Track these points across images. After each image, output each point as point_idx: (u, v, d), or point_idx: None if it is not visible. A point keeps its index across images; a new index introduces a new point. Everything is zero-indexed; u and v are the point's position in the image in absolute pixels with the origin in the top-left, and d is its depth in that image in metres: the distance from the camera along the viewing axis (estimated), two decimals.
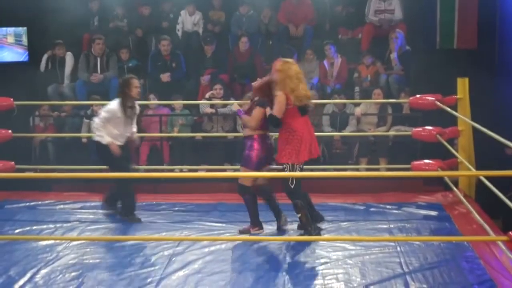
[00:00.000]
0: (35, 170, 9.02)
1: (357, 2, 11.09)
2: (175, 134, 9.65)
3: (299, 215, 6.67)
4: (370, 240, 6.49)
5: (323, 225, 6.94)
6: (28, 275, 5.82)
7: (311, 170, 8.16)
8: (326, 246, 6.37)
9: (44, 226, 7.21)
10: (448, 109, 7.99)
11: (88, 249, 6.40)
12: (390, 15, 10.76)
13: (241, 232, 6.86)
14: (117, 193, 7.39)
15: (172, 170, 9.30)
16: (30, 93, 9.94)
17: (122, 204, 7.40)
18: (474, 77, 8.48)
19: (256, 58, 10.66)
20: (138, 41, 11.10)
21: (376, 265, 5.92)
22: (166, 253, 6.26)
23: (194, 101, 10.03)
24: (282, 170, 6.59)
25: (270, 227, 6.94)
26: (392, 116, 9.66)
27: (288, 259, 6.12)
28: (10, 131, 8.66)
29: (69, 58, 10.58)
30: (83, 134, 9.65)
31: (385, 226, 7.05)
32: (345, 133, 9.56)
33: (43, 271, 5.90)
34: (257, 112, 6.62)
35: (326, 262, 6.02)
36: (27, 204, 8.03)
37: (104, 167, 7.48)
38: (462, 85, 8.22)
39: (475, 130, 7.62)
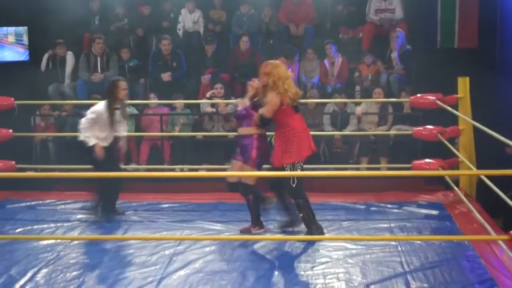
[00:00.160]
0: (36, 170, 9.02)
1: (357, 1, 11.08)
2: (175, 134, 9.65)
3: (301, 214, 6.68)
4: (371, 239, 6.49)
5: (323, 224, 6.93)
6: (29, 274, 5.82)
7: (312, 169, 8.18)
8: (327, 246, 6.37)
9: (45, 226, 7.22)
10: (449, 108, 7.99)
11: (89, 249, 6.40)
12: (391, 14, 10.75)
13: (242, 231, 6.86)
14: (98, 194, 7.37)
15: (172, 170, 9.30)
16: (31, 93, 9.94)
17: (96, 203, 7.36)
18: (475, 76, 8.48)
19: (257, 57, 10.66)
20: (138, 41, 11.11)
21: (377, 264, 5.92)
22: (167, 252, 6.27)
23: (195, 101, 10.04)
24: (282, 170, 6.58)
25: (271, 227, 6.95)
26: (393, 115, 9.66)
27: (289, 259, 6.12)
28: (11, 130, 8.66)
29: (69, 58, 10.59)
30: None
31: (386, 225, 7.05)
32: (345, 132, 9.56)
33: (44, 271, 5.91)
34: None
35: (327, 262, 6.02)
36: (28, 203, 8.04)
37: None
38: (463, 84, 8.22)
39: (476, 129, 7.62)
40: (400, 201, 7.89)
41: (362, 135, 9.49)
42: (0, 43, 11.06)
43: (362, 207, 7.78)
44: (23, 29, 11.05)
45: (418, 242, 6.39)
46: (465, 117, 7.97)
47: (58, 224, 7.28)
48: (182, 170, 9.26)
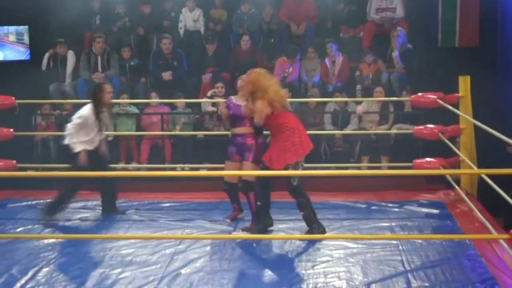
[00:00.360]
0: (36, 169, 9.03)
1: (358, 0, 11.08)
2: (176, 133, 9.65)
3: (302, 213, 6.68)
4: (371, 238, 6.50)
5: (324, 223, 6.94)
6: (30, 273, 5.83)
7: (313, 168, 8.19)
8: (328, 244, 6.37)
9: (46, 225, 7.21)
10: (450, 107, 7.99)
11: (90, 248, 6.40)
12: (392, 13, 10.74)
13: (243, 230, 6.86)
14: (63, 193, 7.37)
15: (173, 169, 9.30)
16: (31, 92, 9.94)
17: (53, 202, 7.34)
18: (475, 75, 8.48)
19: (257, 56, 10.66)
20: (139, 40, 11.10)
21: (378, 263, 5.92)
22: (168, 251, 6.27)
23: (196, 100, 10.03)
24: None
25: (273, 226, 6.95)
26: (394, 114, 9.65)
27: (289, 257, 6.13)
28: (11, 129, 8.66)
29: (70, 57, 10.58)
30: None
31: (386, 224, 7.05)
32: (346, 131, 9.55)
33: (45, 270, 5.91)
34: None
35: (328, 260, 6.02)
36: (29, 202, 8.05)
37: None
38: (464, 83, 8.22)
39: (477, 128, 7.62)
40: (401, 200, 7.90)
41: (363, 134, 9.48)
42: (1, 42, 11.07)
43: (363, 206, 7.78)
44: (24, 28, 11.05)
45: (419, 241, 6.39)
46: (466, 116, 7.97)
47: (59, 223, 7.28)
48: (183, 169, 9.26)
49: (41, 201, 8.06)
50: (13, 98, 8.70)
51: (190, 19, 11.13)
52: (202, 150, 9.59)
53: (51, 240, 6.61)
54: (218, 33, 10.98)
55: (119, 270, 5.89)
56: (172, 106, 10.00)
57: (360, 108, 9.53)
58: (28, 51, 11.09)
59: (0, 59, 11.01)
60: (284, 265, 5.96)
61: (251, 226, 6.85)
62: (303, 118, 9.71)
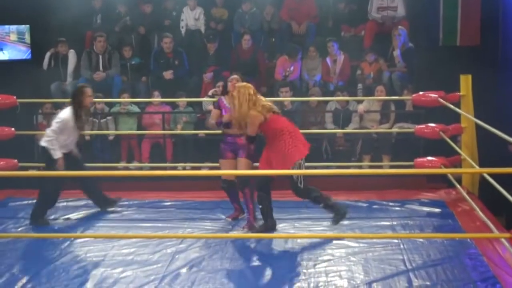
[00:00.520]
0: (38, 168, 9.02)
1: None
2: (178, 132, 9.65)
3: (321, 205, 6.83)
4: (373, 237, 6.49)
5: (326, 222, 6.94)
6: (32, 272, 5.83)
7: (315, 167, 8.18)
8: (329, 243, 6.37)
9: (47, 225, 7.21)
10: (451, 106, 7.98)
11: (91, 247, 6.41)
12: (393, 12, 10.74)
13: (245, 227, 6.87)
14: (40, 195, 7.36)
15: (175, 168, 9.30)
16: (33, 91, 9.94)
17: (36, 207, 7.31)
18: (477, 74, 8.46)
19: (258, 55, 10.66)
20: (140, 39, 11.10)
21: (379, 262, 5.92)
22: (169, 250, 6.27)
23: (197, 99, 10.04)
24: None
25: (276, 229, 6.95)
26: (395, 113, 9.64)
27: (291, 256, 6.13)
28: (13, 129, 8.67)
29: (71, 56, 10.58)
30: (86, 132, 9.65)
31: (388, 223, 7.05)
32: (348, 130, 9.55)
33: (46, 269, 5.91)
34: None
35: (329, 259, 6.02)
36: (30, 201, 8.01)
37: (105, 165, 7.49)
38: (465, 82, 8.21)
39: (478, 127, 7.61)
40: (402, 199, 7.89)
41: (364, 133, 9.48)
42: (2, 41, 11.06)
43: (364, 205, 7.78)
44: (25, 28, 11.04)
45: (420, 240, 6.38)
46: (467, 115, 7.96)
47: (61, 222, 7.28)
48: (184, 168, 9.26)
49: None
50: (15, 97, 8.71)
51: (191, 18, 11.13)
52: (203, 149, 9.58)
53: (52, 239, 6.61)
54: (219, 32, 10.98)
55: (120, 269, 5.89)
56: (174, 105, 10.00)
57: (361, 107, 9.53)
58: (30, 50, 11.08)
59: (6, 58, 11.00)
60: (285, 264, 5.96)
61: (248, 220, 6.88)
62: (304, 117, 9.74)
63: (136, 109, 9.93)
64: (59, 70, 10.53)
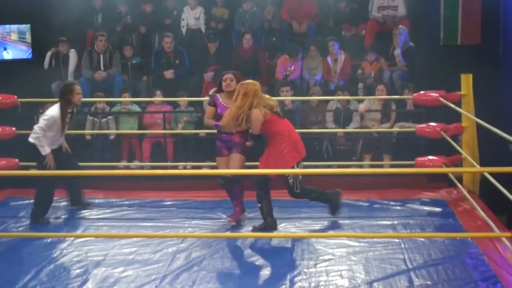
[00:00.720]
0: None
1: None
2: (179, 131, 9.65)
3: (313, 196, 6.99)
4: (374, 237, 6.49)
5: (326, 222, 6.94)
6: (32, 272, 5.84)
7: (315, 167, 8.18)
8: (330, 243, 6.37)
9: (48, 224, 7.22)
10: (452, 105, 7.98)
11: (92, 246, 6.41)
12: (394, 11, 10.74)
13: (233, 219, 6.96)
14: (36, 195, 7.34)
15: (176, 167, 9.30)
16: (34, 90, 9.94)
17: (35, 206, 7.31)
18: (478, 73, 8.46)
19: (259, 54, 10.66)
20: (141, 38, 11.11)
21: (380, 262, 5.92)
22: (170, 250, 6.27)
23: (198, 98, 10.03)
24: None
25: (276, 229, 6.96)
26: (396, 112, 9.64)
27: (292, 256, 6.12)
28: (14, 128, 8.67)
29: (72, 55, 10.58)
30: (87, 131, 9.67)
31: (389, 223, 7.04)
32: (348, 129, 9.55)
33: (47, 268, 5.92)
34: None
35: (330, 259, 6.02)
36: (31, 201, 8.00)
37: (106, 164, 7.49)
38: (466, 81, 8.21)
39: (479, 126, 7.61)
40: (403, 198, 7.89)
41: (365, 132, 9.48)
42: (3, 41, 11.07)
43: (365, 204, 7.78)
44: (26, 27, 11.04)
45: (421, 239, 6.39)
46: (468, 114, 7.96)
47: (62, 222, 7.29)
48: (185, 167, 9.26)
49: None
50: (15, 96, 8.71)
51: (191, 17, 11.13)
52: (204, 148, 9.58)
53: (54, 239, 6.62)
54: (220, 32, 10.98)
55: (121, 268, 5.89)
56: (175, 104, 10.00)
57: (362, 106, 9.53)
58: (30, 49, 11.08)
59: (9, 57, 11.00)
60: (286, 263, 5.96)
61: (235, 212, 7.00)
62: (305, 117, 9.74)
63: (137, 108, 9.93)
64: (60, 69, 10.53)
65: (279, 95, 9.50)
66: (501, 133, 6.03)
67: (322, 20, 11.15)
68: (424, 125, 8.33)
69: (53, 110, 7.21)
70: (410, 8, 10.79)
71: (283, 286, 5.52)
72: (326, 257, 6.07)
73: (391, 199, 7.86)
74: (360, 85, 10.16)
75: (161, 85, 10.25)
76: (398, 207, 7.63)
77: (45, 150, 7.12)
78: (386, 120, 9.62)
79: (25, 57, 11.09)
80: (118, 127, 9.81)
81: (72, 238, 6.61)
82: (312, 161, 7.96)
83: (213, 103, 7.03)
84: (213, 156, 9.30)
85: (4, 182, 8.38)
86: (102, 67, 10.39)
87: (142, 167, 9.52)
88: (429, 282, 5.51)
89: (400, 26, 10.37)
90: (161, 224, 7.14)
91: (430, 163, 7.93)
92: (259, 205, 6.79)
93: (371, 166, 9.24)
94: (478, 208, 7.00)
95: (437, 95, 8.25)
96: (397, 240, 6.35)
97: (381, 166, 9.19)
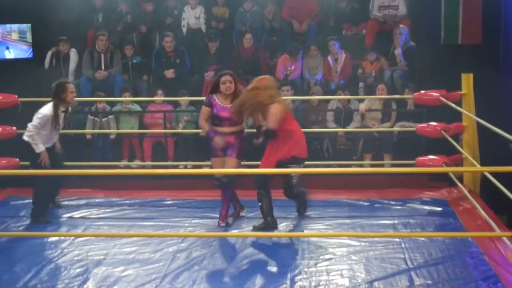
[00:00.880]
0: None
1: None
2: (179, 131, 9.65)
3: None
4: (374, 236, 6.49)
5: (327, 221, 6.94)
6: (33, 271, 5.84)
7: (316, 166, 8.18)
8: (330, 242, 6.37)
9: (49, 223, 7.22)
10: (453, 105, 7.98)
11: (92, 245, 6.41)
12: (394, 10, 10.74)
13: (223, 222, 6.97)
14: (35, 195, 7.34)
15: (176, 166, 9.30)
16: (34, 90, 9.94)
17: (34, 206, 7.31)
18: (478, 72, 8.47)
19: (260, 54, 10.66)
20: (142, 38, 11.11)
21: (380, 261, 5.92)
22: (170, 249, 6.28)
23: (198, 97, 10.02)
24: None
25: (277, 228, 6.96)
26: (397, 112, 9.64)
27: (292, 255, 6.12)
28: (14, 128, 8.67)
29: (73, 55, 10.58)
30: (88, 131, 9.67)
31: (389, 222, 7.05)
32: (349, 129, 9.55)
33: (47, 268, 5.92)
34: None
35: (331, 258, 6.02)
36: (32, 200, 8.04)
37: (107, 163, 7.47)
38: (467, 80, 8.21)
39: (479, 125, 7.61)
40: (404, 198, 7.89)
41: (366, 131, 9.48)
42: (4, 40, 11.07)
43: (366, 203, 7.77)
44: (26, 26, 11.04)
45: (422, 238, 6.39)
46: (468, 113, 7.96)
47: (62, 221, 7.29)
48: (185, 167, 9.26)
49: None
50: (16, 96, 8.71)
51: (192, 16, 11.13)
52: (205, 148, 9.55)
53: (54, 238, 6.62)
54: (221, 31, 10.98)
55: (121, 268, 5.90)
56: (175, 104, 10.00)
57: (362, 106, 9.52)
58: (31, 49, 11.08)
59: (12, 56, 10.99)
60: (287, 262, 5.96)
61: (221, 215, 7.01)
62: (305, 116, 9.74)
63: (137, 108, 9.93)
64: (60, 69, 10.53)
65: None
66: (501, 132, 6.03)
67: (322, 20, 11.15)
68: (424, 125, 8.33)
69: (46, 109, 7.21)
70: (410, 8, 10.79)
71: (284, 285, 5.53)
72: (327, 256, 6.07)
73: (392, 199, 7.86)
74: (361, 84, 10.16)
75: (162, 84, 10.25)
76: (398, 207, 7.63)
77: (39, 148, 7.12)
78: (386, 120, 9.62)
79: (25, 56, 11.08)
80: (118, 126, 9.81)
81: (73, 238, 6.61)
82: (313, 161, 7.96)
83: (209, 103, 6.95)
84: None
85: (5, 182, 8.38)
86: (102, 67, 10.39)
87: (142, 167, 9.52)
88: (429, 282, 5.51)
89: (401, 25, 10.37)
90: (161, 223, 7.14)
91: (430, 163, 7.92)
92: (260, 204, 6.79)
93: (372, 165, 9.23)
94: (479, 208, 7.00)
95: (437, 94, 8.25)
96: (397, 240, 6.36)
97: (381, 165, 9.19)
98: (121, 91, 9.93)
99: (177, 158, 9.59)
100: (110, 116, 9.81)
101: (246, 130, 7.14)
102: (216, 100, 6.92)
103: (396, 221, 7.06)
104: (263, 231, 6.74)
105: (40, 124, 7.13)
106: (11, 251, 6.32)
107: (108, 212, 7.59)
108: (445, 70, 9.50)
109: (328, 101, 9.84)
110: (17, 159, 8.48)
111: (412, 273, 5.66)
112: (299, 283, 5.55)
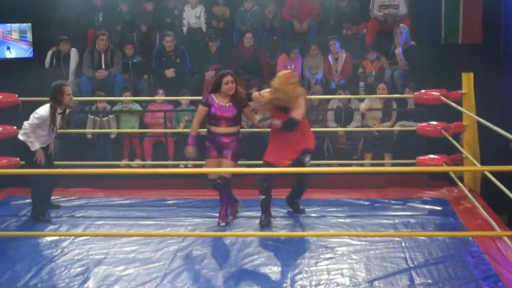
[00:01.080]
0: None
1: None
2: (179, 130, 9.65)
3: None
4: (375, 235, 6.49)
5: (327, 221, 6.93)
6: (33, 270, 5.85)
7: (316, 165, 8.18)
8: (331, 242, 6.36)
9: (49, 222, 7.22)
10: (453, 104, 7.98)
11: (93, 245, 6.41)
12: (395, 10, 10.74)
13: (223, 221, 6.98)
14: (33, 195, 7.35)
15: (177, 166, 9.30)
16: (35, 89, 9.93)
17: (33, 206, 7.31)
18: (479, 71, 8.46)
19: (260, 53, 10.66)
20: (142, 37, 11.11)
21: (381, 260, 5.92)
22: (171, 248, 6.28)
23: (199, 97, 10.02)
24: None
25: (277, 223, 6.96)
26: (397, 111, 9.64)
27: (293, 255, 6.12)
28: (15, 127, 8.66)
29: (73, 54, 10.58)
30: (88, 130, 9.67)
31: (390, 221, 7.05)
32: (349, 128, 9.55)
33: (48, 267, 5.93)
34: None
35: (331, 257, 6.02)
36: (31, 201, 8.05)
37: (108, 163, 7.47)
38: (467, 80, 8.21)
39: (480, 125, 7.61)
40: (404, 197, 7.89)
41: (366, 131, 9.48)
42: (4, 40, 11.06)
43: (366, 203, 7.77)
44: (26, 26, 11.03)
45: (422, 238, 6.39)
46: (469, 113, 7.96)
47: (63, 220, 7.29)
48: (186, 166, 9.26)
49: None
50: (17, 95, 8.71)
51: (192, 16, 11.13)
52: (205, 147, 9.57)
53: (55, 238, 6.62)
54: (221, 30, 10.98)
55: (122, 267, 5.90)
56: (176, 103, 10.00)
57: (363, 105, 9.53)
58: (31, 48, 11.07)
59: (12, 56, 10.99)
60: (287, 262, 5.96)
61: (220, 214, 7.00)
62: (306, 115, 9.72)
63: (138, 107, 9.93)
64: (61, 68, 10.54)
65: None
66: (502, 131, 6.03)
67: (323, 19, 11.15)
68: (425, 124, 8.33)
69: (43, 110, 7.22)
70: (411, 7, 10.78)
71: (284, 285, 5.53)
72: (327, 255, 6.08)
73: (392, 198, 7.87)
74: (361, 84, 10.16)
75: (162, 84, 10.25)
76: (399, 206, 7.63)
77: (35, 146, 7.13)
78: (387, 119, 9.62)
79: (26, 56, 11.07)
80: (119, 126, 9.81)
81: (73, 237, 6.62)
82: (313, 160, 7.95)
83: (207, 103, 6.91)
84: None
85: (5, 181, 8.38)
86: (103, 66, 10.39)
87: (143, 166, 9.52)
88: (430, 281, 5.51)
89: (401, 24, 10.37)
90: (162, 222, 7.14)
91: (431, 162, 7.93)
92: (263, 197, 6.84)
93: (372, 165, 9.24)
94: (479, 207, 7.00)
95: (438, 94, 8.24)
96: (398, 239, 6.36)
97: (382, 165, 9.19)
98: (122, 90, 9.93)
99: (177, 157, 9.59)
100: (111, 116, 9.81)
101: (246, 130, 7.13)
102: (215, 100, 6.90)
103: (396, 220, 7.06)
104: (267, 223, 6.78)
105: (37, 124, 7.14)
106: (11, 250, 6.32)
107: (108, 212, 7.59)
108: (446, 69, 9.49)
109: (328, 100, 9.84)
110: (18, 159, 8.48)
111: (413, 272, 5.66)
112: (300, 282, 5.55)
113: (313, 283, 5.53)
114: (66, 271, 5.84)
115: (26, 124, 7.20)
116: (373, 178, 8.41)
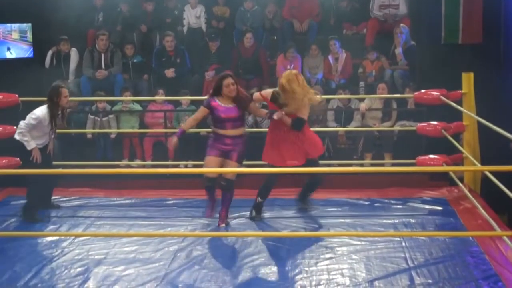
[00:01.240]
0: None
1: None
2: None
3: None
4: (375, 235, 6.49)
5: (328, 220, 6.94)
6: (33, 270, 5.85)
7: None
8: (331, 241, 6.36)
9: (49, 222, 7.22)
10: (453, 104, 7.98)
11: (93, 245, 6.41)
12: (395, 10, 10.74)
13: (223, 222, 6.96)
14: (29, 194, 7.35)
15: (177, 166, 9.30)
16: (35, 89, 9.93)
17: (26, 205, 7.32)
18: (479, 71, 8.46)
19: (260, 53, 10.66)
20: (142, 37, 11.11)
21: (381, 260, 5.92)
22: (171, 248, 6.28)
23: (199, 97, 10.02)
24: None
25: (277, 223, 6.95)
26: (397, 111, 9.64)
27: (293, 255, 6.12)
28: (15, 127, 8.66)
29: (73, 54, 10.59)
30: (88, 130, 9.67)
31: (390, 221, 7.04)
32: (349, 128, 9.56)
33: (48, 267, 5.93)
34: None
35: (331, 257, 6.02)
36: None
37: (108, 163, 7.47)
38: (467, 79, 8.20)
39: (480, 125, 7.61)
40: (404, 197, 7.89)
41: (366, 131, 9.48)
42: (4, 40, 11.06)
43: (366, 203, 7.77)
44: (27, 26, 11.03)
45: (422, 238, 6.39)
46: (469, 112, 7.96)
47: (63, 220, 7.29)
48: (186, 166, 9.26)
49: None
50: (17, 95, 8.71)
51: (192, 16, 11.14)
52: (206, 147, 9.56)
53: (55, 238, 6.62)
54: (221, 30, 10.98)
55: (122, 267, 5.90)
56: (176, 103, 10.00)
57: (363, 105, 9.53)
58: (32, 48, 11.07)
59: (13, 56, 10.98)
60: (287, 262, 5.96)
61: (220, 215, 6.98)
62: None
63: (138, 107, 9.93)
64: (61, 68, 10.54)
65: None
66: (502, 131, 6.02)
67: (323, 19, 11.15)
68: (425, 124, 8.33)
69: (40, 111, 7.24)
70: (411, 7, 10.79)
71: (284, 285, 5.53)
72: (327, 255, 6.08)
73: (392, 198, 7.86)
74: (361, 83, 10.17)
75: (162, 84, 10.25)
76: (399, 206, 7.63)
77: (30, 145, 7.14)
78: (387, 119, 9.62)
79: (26, 56, 11.08)
80: (119, 126, 9.81)
81: (73, 237, 6.61)
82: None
83: (209, 106, 6.86)
84: None
85: (5, 181, 8.38)
86: (103, 66, 10.40)
87: (143, 166, 9.52)
88: (430, 281, 5.51)
89: (401, 24, 10.37)
90: (162, 222, 7.14)
91: (431, 162, 7.93)
92: (260, 200, 6.85)
93: (372, 164, 9.24)
94: (479, 207, 7.00)
95: (438, 93, 8.24)
96: (398, 239, 6.36)
97: (382, 164, 9.20)
98: (122, 90, 9.94)
99: (177, 157, 9.59)
100: (111, 116, 9.82)
101: (246, 130, 7.13)
102: (218, 102, 6.86)
103: (396, 220, 7.05)
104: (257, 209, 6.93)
105: (32, 124, 7.16)
106: (11, 250, 6.32)
107: (108, 212, 7.59)
108: (446, 69, 9.49)
109: (328, 100, 9.84)
110: (18, 159, 8.47)
111: (413, 272, 5.66)
112: (300, 282, 5.55)
113: (313, 283, 5.53)
114: (66, 271, 5.84)
115: (22, 123, 7.21)
116: (373, 178, 8.40)
